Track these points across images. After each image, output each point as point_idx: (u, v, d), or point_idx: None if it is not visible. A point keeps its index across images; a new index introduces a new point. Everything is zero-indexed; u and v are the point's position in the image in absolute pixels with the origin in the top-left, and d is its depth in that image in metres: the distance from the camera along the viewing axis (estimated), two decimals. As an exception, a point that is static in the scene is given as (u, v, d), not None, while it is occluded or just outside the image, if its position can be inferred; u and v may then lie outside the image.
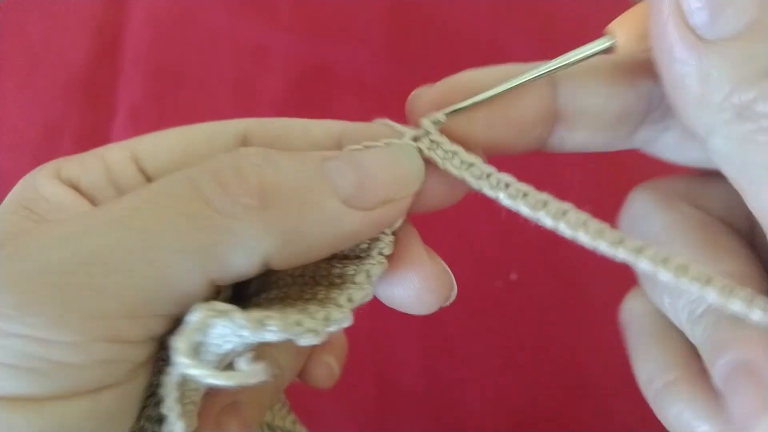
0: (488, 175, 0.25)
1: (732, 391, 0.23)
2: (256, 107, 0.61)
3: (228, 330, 0.20)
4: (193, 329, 0.19)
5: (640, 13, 0.24)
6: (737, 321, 0.22)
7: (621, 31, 0.24)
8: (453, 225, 0.56)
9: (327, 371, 0.33)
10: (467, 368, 0.55)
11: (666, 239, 0.27)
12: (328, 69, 0.63)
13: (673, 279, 0.22)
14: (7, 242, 0.22)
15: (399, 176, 0.24)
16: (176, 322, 0.21)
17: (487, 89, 0.25)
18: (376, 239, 0.25)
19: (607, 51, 0.24)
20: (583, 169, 0.60)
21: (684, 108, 0.23)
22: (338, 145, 0.26)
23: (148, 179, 0.26)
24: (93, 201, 0.25)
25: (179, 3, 0.64)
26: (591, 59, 0.25)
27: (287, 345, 0.22)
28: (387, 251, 0.25)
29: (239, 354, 0.20)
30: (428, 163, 0.26)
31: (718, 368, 0.23)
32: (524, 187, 0.24)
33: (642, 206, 0.28)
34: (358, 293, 0.23)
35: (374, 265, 0.24)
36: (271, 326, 0.20)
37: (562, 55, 0.25)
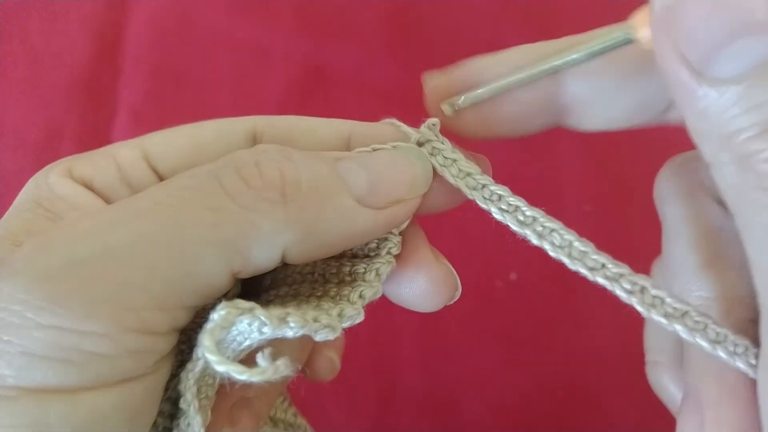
0: (483, 186, 0.25)
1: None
2: (257, 107, 0.61)
3: (250, 327, 0.20)
4: (218, 326, 0.20)
5: None
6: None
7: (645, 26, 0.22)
8: (453, 225, 0.56)
9: (329, 365, 0.34)
10: (467, 368, 0.55)
11: (676, 235, 0.27)
12: (328, 69, 0.63)
13: (646, 312, 0.23)
14: (25, 239, 0.22)
15: (409, 178, 0.25)
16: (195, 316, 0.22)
17: (500, 78, 0.25)
18: (384, 239, 0.26)
19: (626, 44, 0.23)
20: (583, 168, 0.60)
21: (689, 131, 0.21)
22: (346, 145, 0.27)
23: (160, 178, 0.27)
24: (107, 200, 0.26)
25: (180, 4, 0.64)
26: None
27: (292, 340, 0.22)
28: (395, 251, 0.26)
29: (254, 351, 0.20)
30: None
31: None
32: (516, 201, 0.25)
33: (666, 188, 0.28)
34: (369, 290, 0.24)
35: (383, 264, 0.25)
36: (292, 323, 0.20)
37: (573, 43, 0.24)
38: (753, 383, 0.22)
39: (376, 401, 0.54)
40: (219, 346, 0.20)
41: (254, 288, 0.29)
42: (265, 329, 0.20)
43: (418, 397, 0.54)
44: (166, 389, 0.23)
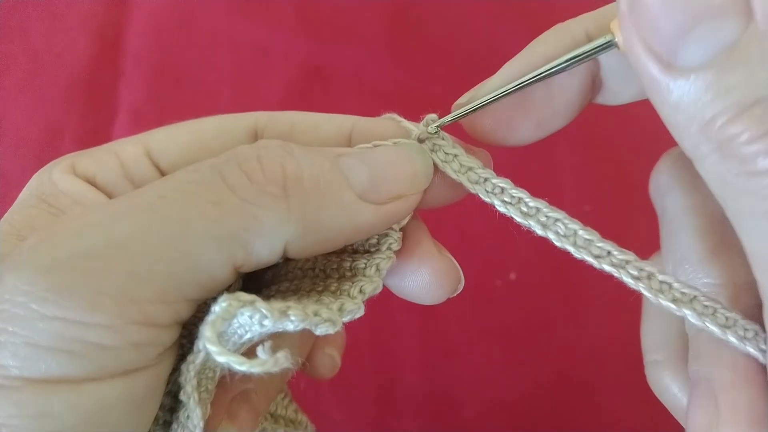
0: (485, 180, 0.25)
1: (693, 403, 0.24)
2: (257, 107, 0.61)
3: (251, 319, 0.20)
4: (220, 318, 0.20)
5: None
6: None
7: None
8: (453, 225, 0.56)
9: (330, 362, 0.34)
10: (467, 367, 0.55)
11: (679, 225, 0.27)
12: (328, 69, 0.63)
13: (653, 298, 0.22)
14: (30, 234, 0.22)
15: (410, 174, 0.25)
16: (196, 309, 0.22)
17: (491, 91, 0.25)
18: (384, 235, 0.26)
19: (607, 48, 0.23)
20: (583, 168, 0.60)
21: (668, 128, 0.21)
22: (348, 140, 0.27)
23: (162, 174, 0.27)
24: (109, 195, 0.26)
25: (180, 4, 0.64)
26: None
27: (292, 336, 0.22)
28: (395, 246, 0.26)
29: (254, 344, 0.21)
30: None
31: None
32: (519, 193, 0.25)
33: (666, 179, 0.28)
34: (369, 285, 0.25)
35: (384, 259, 0.25)
36: (293, 316, 0.21)
37: (561, 57, 0.24)
38: (763, 368, 0.22)
39: (376, 400, 0.54)
40: (220, 338, 0.20)
41: (255, 284, 0.29)
42: (266, 322, 0.20)
43: (418, 397, 0.54)
44: (167, 383, 0.23)
